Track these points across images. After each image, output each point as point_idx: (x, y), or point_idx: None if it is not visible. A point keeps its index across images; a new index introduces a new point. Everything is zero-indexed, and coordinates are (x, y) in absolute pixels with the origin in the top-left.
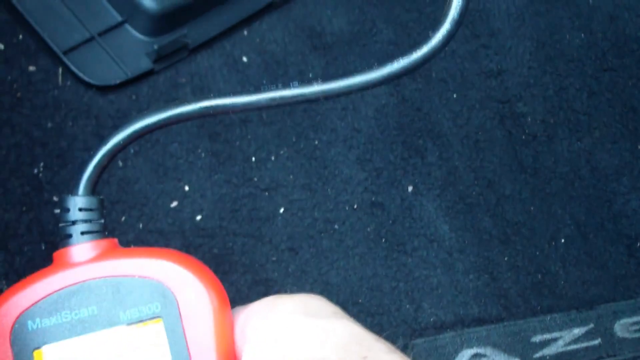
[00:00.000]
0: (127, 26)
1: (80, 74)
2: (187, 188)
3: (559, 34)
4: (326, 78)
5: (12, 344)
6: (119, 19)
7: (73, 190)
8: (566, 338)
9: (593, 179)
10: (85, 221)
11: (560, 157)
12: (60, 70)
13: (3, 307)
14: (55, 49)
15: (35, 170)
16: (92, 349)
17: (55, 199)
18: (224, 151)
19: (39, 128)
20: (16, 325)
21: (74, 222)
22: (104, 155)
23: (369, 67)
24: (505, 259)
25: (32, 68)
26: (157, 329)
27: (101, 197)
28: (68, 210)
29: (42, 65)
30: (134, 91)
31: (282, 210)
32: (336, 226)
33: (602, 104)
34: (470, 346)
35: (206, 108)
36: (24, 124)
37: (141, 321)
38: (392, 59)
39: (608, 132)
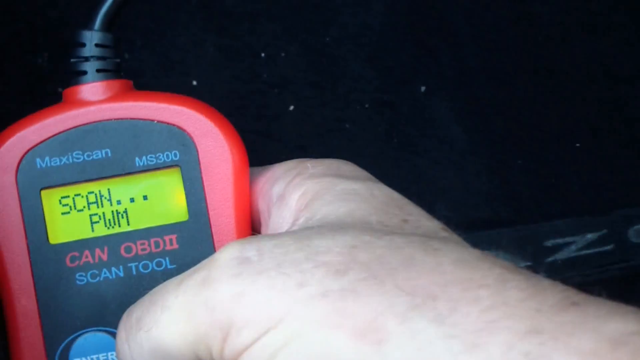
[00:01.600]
0: None
1: None
2: (194, 83)
3: None
4: None
5: (18, 181)
6: None
7: (89, 25)
8: (579, 243)
9: (607, 82)
10: (101, 58)
11: (575, 59)
12: None
13: (9, 141)
14: None
15: (40, 60)
16: (104, 194)
17: (60, 89)
18: (232, 46)
19: (42, 17)
20: (23, 162)
21: (88, 59)
22: None
23: None
24: (519, 162)
25: None
26: (174, 177)
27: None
28: (83, 45)
29: None
30: None
31: (291, 107)
32: (347, 125)
33: (619, 5)
34: (481, 249)
35: None
36: (25, 12)
37: (158, 168)
38: None
39: (624, 35)
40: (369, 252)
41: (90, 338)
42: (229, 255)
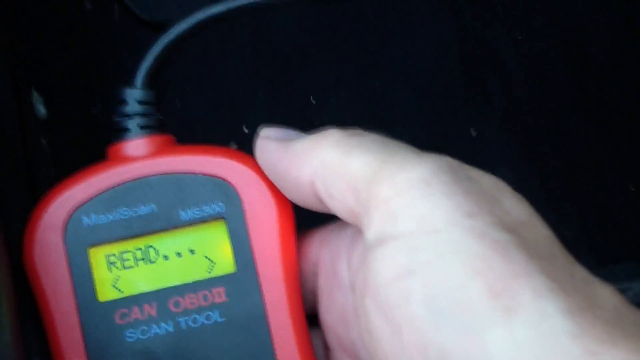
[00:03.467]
0: None
1: (137, 11)
2: (246, 130)
3: None
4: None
5: (66, 240)
6: None
7: (130, 83)
8: (636, 289)
9: None
10: (143, 115)
11: (626, 88)
12: (116, 7)
13: (56, 201)
14: None
15: (94, 111)
16: (151, 248)
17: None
18: (283, 91)
19: (96, 66)
20: (70, 221)
21: (130, 116)
22: (164, 46)
23: None
24: (570, 204)
25: (89, 5)
26: (220, 229)
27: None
28: (125, 102)
29: (99, 2)
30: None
31: None
32: None
33: None
34: None
35: None
36: (81, 62)
37: (203, 221)
38: None
39: None
40: (534, 230)
41: None
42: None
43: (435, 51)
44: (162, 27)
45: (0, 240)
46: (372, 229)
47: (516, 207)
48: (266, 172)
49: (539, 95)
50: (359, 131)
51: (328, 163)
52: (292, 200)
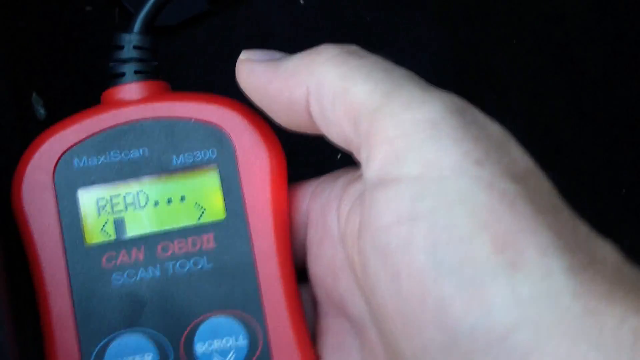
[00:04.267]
0: None
1: None
2: None
3: None
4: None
5: (56, 181)
6: None
7: (127, 28)
8: None
9: None
10: (139, 60)
11: (621, 102)
12: (116, 10)
13: (47, 142)
14: None
15: None
16: (141, 193)
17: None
18: None
19: (96, 69)
20: (60, 162)
21: (126, 61)
22: None
23: None
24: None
25: (88, 8)
26: (211, 176)
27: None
28: (121, 47)
29: (99, 5)
30: (190, 33)
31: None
32: None
33: None
34: None
35: None
36: (79, 64)
37: (195, 167)
38: None
39: None
40: (539, 181)
41: (126, 339)
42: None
43: (431, 67)
44: (161, 31)
45: None
46: (374, 168)
47: (522, 156)
48: (253, 97)
49: (535, 110)
50: (356, 48)
51: (325, 83)
52: (283, 124)
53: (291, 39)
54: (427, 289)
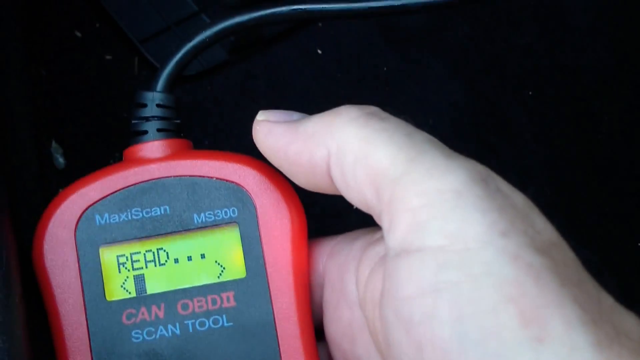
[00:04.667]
0: (203, 16)
1: (157, 64)
2: None
3: (637, 30)
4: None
5: (77, 238)
6: (195, 8)
7: (151, 86)
8: None
9: None
10: (161, 118)
11: (638, 158)
12: (136, 59)
13: (69, 199)
14: (132, 37)
15: (111, 161)
16: (162, 250)
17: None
18: None
19: (115, 118)
20: (82, 219)
21: (149, 119)
22: (186, 52)
23: None
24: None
25: (108, 57)
26: (232, 234)
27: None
28: (144, 105)
29: (119, 54)
30: (209, 82)
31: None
32: None
33: None
34: None
35: (297, 10)
36: (98, 113)
37: (216, 225)
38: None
39: None
40: (563, 253)
41: None
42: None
43: (448, 117)
44: (180, 80)
45: (13, 252)
46: (397, 237)
47: (546, 227)
48: (272, 158)
49: (551, 164)
50: (377, 110)
51: (347, 147)
52: (302, 185)
53: (309, 89)
54: None
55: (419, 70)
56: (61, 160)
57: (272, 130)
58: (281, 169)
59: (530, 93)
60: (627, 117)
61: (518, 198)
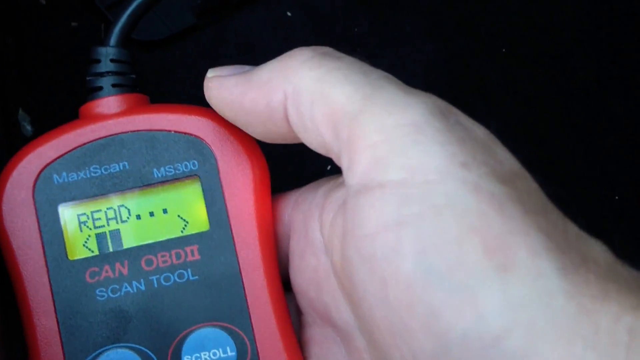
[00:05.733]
0: None
1: None
2: None
3: None
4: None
5: (36, 198)
6: None
7: (104, 42)
8: None
9: None
10: (116, 73)
11: (614, 114)
12: (102, 26)
13: (26, 159)
14: (98, 4)
15: None
16: (123, 207)
17: None
18: None
19: (83, 84)
20: (40, 179)
21: (104, 74)
22: (138, 5)
23: None
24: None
25: (74, 24)
26: (193, 187)
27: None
28: (98, 61)
29: (85, 21)
30: (179, 47)
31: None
32: None
33: None
34: None
35: None
36: (66, 80)
37: (177, 179)
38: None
39: None
40: (526, 183)
41: (112, 356)
42: None
43: (424, 78)
44: (148, 46)
45: None
46: (357, 174)
47: (509, 158)
48: (226, 112)
49: (527, 121)
50: (330, 50)
51: (302, 88)
52: (260, 137)
53: (282, 52)
54: (416, 297)
55: (392, 32)
56: (29, 128)
57: (224, 84)
58: (237, 123)
59: (504, 50)
60: (602, 74)
61: (479, 130)
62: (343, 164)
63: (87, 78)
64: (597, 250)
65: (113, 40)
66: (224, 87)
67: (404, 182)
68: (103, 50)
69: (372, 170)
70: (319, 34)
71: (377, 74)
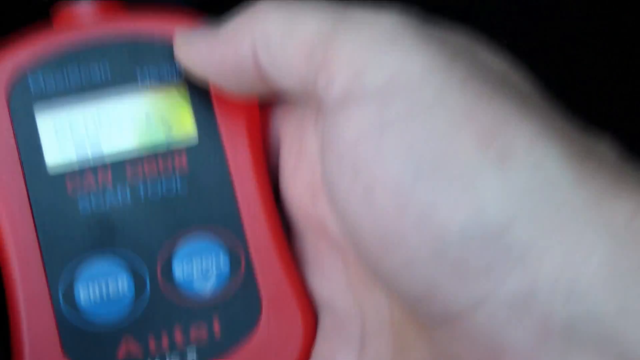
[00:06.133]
0: None
1: None
2: None
3: None
4: None
5: (11, 106)
6: None
7: None
8: None
9: None
10: None
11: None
12: None
13: None
14: None
15: None
16: (104, 114)
17: None
18: None
19: None
20: (14, 84)
21: None
22: None
23: None
24: None
25: None
26: (180, 92)
27: None
28: None
29: None
30: None
31: None
32: None
33: None
34: None
35: None
36: None
37: (162, 84)
38: None
39: None
40: (520, 80)
41: (96, 261)
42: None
43: None
44: None
45: None
46: (335, 91)
47: (494, 59)
48: (197, 71)
49: None
50: None
51: (271, 29)
52: (235, 92)
53: None
54: (406, 197)
55: None
56: None
57: (192, 43)
58: (210, 80)
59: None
60: (606, 72)
61: (459, 36)
62: (320, 85)
63: None
64: (604, 146)
65: None
66: (192, 46)
67: (386, 87)
68: None
69: (350, 83)
70: None
71: (342, 4)
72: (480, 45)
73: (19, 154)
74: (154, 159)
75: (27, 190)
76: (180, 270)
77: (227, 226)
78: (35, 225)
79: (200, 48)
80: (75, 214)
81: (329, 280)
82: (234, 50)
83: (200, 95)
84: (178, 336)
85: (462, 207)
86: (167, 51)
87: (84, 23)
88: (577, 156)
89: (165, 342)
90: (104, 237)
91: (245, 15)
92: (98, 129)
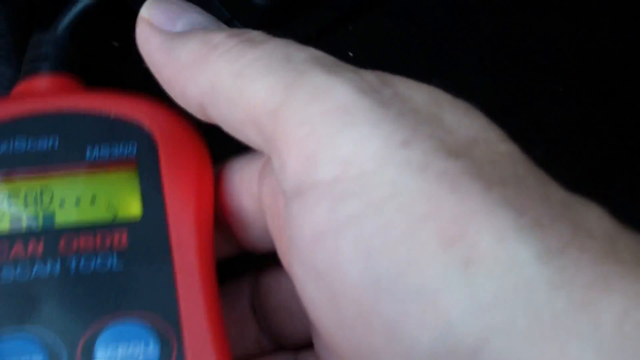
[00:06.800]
0: (235, 22)
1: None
2: None
3: None
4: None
5: None
6: (227, 15)
7: (45, 27)
8: None
9: None
10: (54, 55)
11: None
12: None
13: None
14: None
15: None
16: (50, 184)
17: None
18: None
19: None
20: None
21: (42, 56)
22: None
23: None
24: None
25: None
26: (129, 172)
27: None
28: (39, 45)
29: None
30: None
31: None
32: None
33: None
34: None
35: None
36: None
37: (112, 162)
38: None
39: None
40: (490, 148)
41: (9, 338)
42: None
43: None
44: None
45: None
46: (288, 177)
47: (462, 121)
48: (150, 67)
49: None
50: (255, 35)
51: (220, 86)
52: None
53: None
54: (370, 310)
55: (449, 62)
56: None
57: (149, 40)
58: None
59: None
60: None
61: (421, 97)
62: (275, 166)
63: (24, 66)
64: (593, 217)
65: (55, 27)
66: (149, 43)
67: (338, 178)
68: (42, 35)
69: (302, 170)
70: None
71: (301, 57)
72: (448, 104)
73: None
74: (92, 232)
75: None
76: (103, 356)
77: (161, 310)
78: None
79: (153, 52)
80: None
81: None
82: (181, 87)
83: (150, 172)
84: None
85: (429, 325)
86: (120, 129)
87: (39, 95)
88: (556, 247)
89: None
90: (24, 311)
91: (202, 49)
92: (38, 201)
